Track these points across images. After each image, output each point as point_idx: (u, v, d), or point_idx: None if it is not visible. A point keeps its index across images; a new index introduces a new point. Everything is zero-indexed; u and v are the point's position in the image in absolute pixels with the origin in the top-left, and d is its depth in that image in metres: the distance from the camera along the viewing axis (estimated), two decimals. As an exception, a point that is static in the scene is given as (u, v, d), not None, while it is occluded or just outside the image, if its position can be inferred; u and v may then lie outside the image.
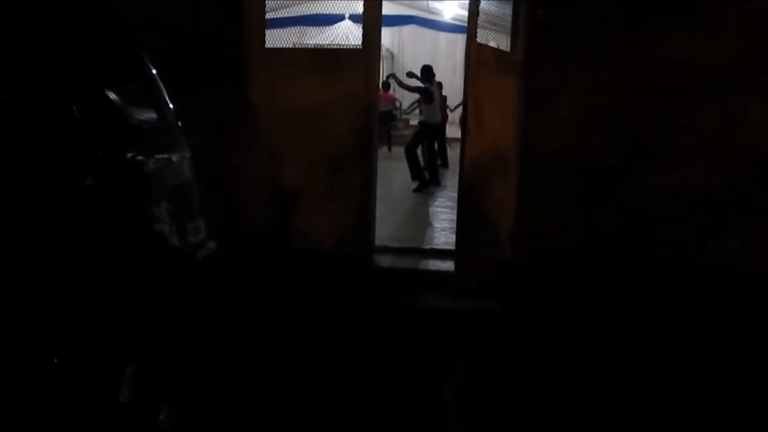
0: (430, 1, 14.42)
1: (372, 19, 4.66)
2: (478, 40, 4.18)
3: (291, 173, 4.83)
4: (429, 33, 15.34)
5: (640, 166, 4.65)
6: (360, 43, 4.71)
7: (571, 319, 4.32)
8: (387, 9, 14.66)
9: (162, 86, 3.12)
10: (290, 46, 4.94)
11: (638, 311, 4.41)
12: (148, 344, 2.04)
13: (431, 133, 8.66)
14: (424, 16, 15.22)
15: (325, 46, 4.77)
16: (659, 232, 4.68)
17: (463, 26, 14.89)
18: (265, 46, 4.83)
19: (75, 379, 1.75)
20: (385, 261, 4.89)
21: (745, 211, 4.64)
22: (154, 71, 3.10)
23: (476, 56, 4.04)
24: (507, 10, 4.70)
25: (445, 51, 15.40)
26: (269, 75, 4.77)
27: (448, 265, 4.81)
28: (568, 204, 4.75)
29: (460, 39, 15.44)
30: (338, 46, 4.67)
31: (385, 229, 5.66)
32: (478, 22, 4.19)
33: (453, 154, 10.72)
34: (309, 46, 4.74)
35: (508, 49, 4.70)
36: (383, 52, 14.95)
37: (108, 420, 1.87)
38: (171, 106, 3.13)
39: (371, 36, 4.69)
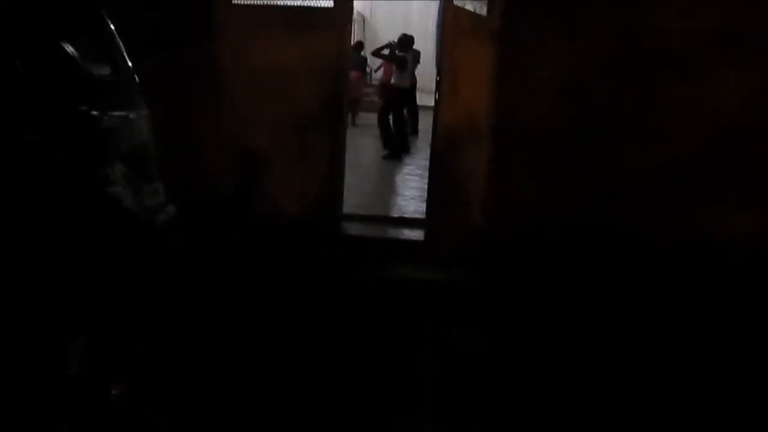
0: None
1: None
2: (455, 2, 4.02)
3: (258, 136, 4.66)
4: (402, -3, 15.12)
5: (615, 136, 4.59)
6: (332, 3, 4.52)
7: (544, 290, 4.29)
8: (360, -29, 14.26)
9: (120, 42, 2.93)
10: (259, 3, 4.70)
11: (612, 283, 4.40)
12: (98, 315, 1.90)
13: (401, 98, 8.51)
14: (397, -20, 14.99)
15: (296, 5, 4.52)
16: (634, 202, 4.65)
17: (437, -8, 14.76)
18: (233, 1, 4.62)
19: (17, 348, 1.62)
20: (353, 229, 4.78)
21: (720, 182, 4.63)
22: (112, 27, 2.90)
23: (452, 19, 3.90)
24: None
25: (417, 16, 15.20)
26: (237, 33, 4.56)
27: (417, 234, 4.73)
28: (542, 173, 4.68)
29: (433, 5, 15.26)
30: (309, 4, 4.44)
31: (354, 196, 5.54)
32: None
33: (425, 122, 10.63)
34: (278, 3, 4.48)
35: (485, 13, 4.55)
36: (354, 16, 14.75)
37: (56, 392, 1.74)
38: (130, 63, 2.93)
39: (343, -6, 4.50)
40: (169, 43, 4.55)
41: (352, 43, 12.93)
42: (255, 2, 4.72)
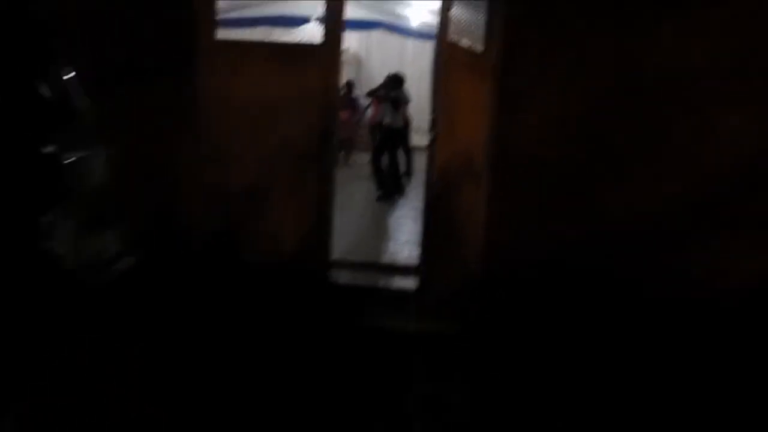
0: (398, 6, 14.11)
1: (334, 13, 4.25)
2: (450, 38, 3.78)
3: (240, 177, 4.37)
4: (396, 39, 15.07)
5: (616, 174, 4.31)
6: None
7: (542, 342, 3.96)
8: (354, 13, 14.35)
9: (75, 79, 2.66)
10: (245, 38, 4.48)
11: (615, 331, 4.08)
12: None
13: (395, 137, 8.28)
14: (391, 22, 14.96)
15: (283, 42, 4.31)
16: (636, 244, 4.36)
17: (431, 33, 14.75)
18: (216, 38, 4.39)
19: None
20: (342, 277, 4.46)
21: (722, 223, 4.35)
22: (65, 65, 2.63)
23: (447, 56, 3.66)
24: (480, 9, 4.34)
25: (412, 57, 15.11)
26: (219, 69, 4.32)
27: (410, 283, 4.41)
28: (541, 214, 4.39)
29: (428, 46, 15.21)
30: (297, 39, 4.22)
31: (345, 241, 5.23)
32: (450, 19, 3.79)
33: (419, 162, 10.41)
34: (264, 40, 4.25)
35: (481, 49, 4.33)
36: (349, 58, 14.64)
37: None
38: (86, 100, 2.67)
39: (333, 32, 4.27)
40: (145, 77, 4.30)
41: (342, 82, 12.83)
42: (240, 38, 4.52)
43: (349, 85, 12.18)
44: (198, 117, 4.34)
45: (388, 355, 3.71)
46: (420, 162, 11.35)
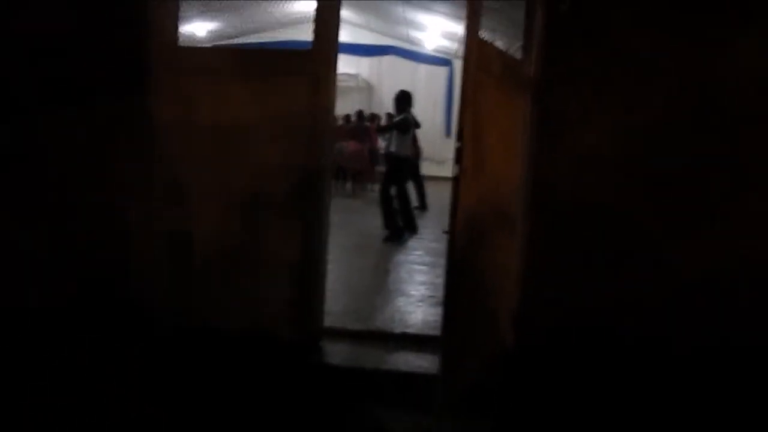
0: (410, 31, 13.38)
1: (326, 11, 3.29)
2: (480, 35, 2.77)
3: (201, 222, 3.39)
4: (409, 64, 14.39)
5: (684, 225, 3.34)
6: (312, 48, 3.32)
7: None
8: (365, 38, 13.68)
9: None
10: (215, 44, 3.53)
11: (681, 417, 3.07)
12: None
13: (403, 168, 7.19)
14: (403, 47, 14.33)
15: (263, 46, 3.33)
16: (706, 313, 3.33)
17: (445, 58, 13.96)
18: (178, 44, 3.45)
19: None
20: (336, 354, 3.39)
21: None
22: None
23: (476, 57, 2.65)
24: (518, 7, 3.38)
25: (425, 83, 14.39)
26: (179, 83, 3.37)
27: (427, 362, 3.34)
28: (593, 271, 3.40)
29: (442, 72, 14.43)
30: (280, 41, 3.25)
31: (341, 298, 4.19)
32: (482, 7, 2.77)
33: (436, 195, 9.46)
34: (238, 44, 3.29)
35: (519, 56, 3.36)
36: (360, 83, 13.87)
37: None
38: None
39: (325, 35, 3.31)
40: (84, 94, 3.36)
41: (353, 109, 11.95)
42: (210, 44, 3.56)
43: (360, 114, 11.36)
44: (149, 146, 3.37)
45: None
46: (433, 195, 10.40)
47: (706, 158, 3.32)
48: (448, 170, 13.54)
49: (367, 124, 11.05)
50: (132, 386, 3.08)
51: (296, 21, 11.73)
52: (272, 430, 2.92)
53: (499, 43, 3.06)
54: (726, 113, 3.28)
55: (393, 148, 7.09)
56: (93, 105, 3.34)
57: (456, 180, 2.75)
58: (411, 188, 8.07)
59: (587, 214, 3.42)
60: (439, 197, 9.92)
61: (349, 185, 10.90)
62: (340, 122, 11.09)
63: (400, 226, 6.89)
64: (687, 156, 3.32)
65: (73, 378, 3.03)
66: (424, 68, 14.56)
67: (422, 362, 3.35)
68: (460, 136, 2.76)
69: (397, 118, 7.21)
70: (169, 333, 3.36)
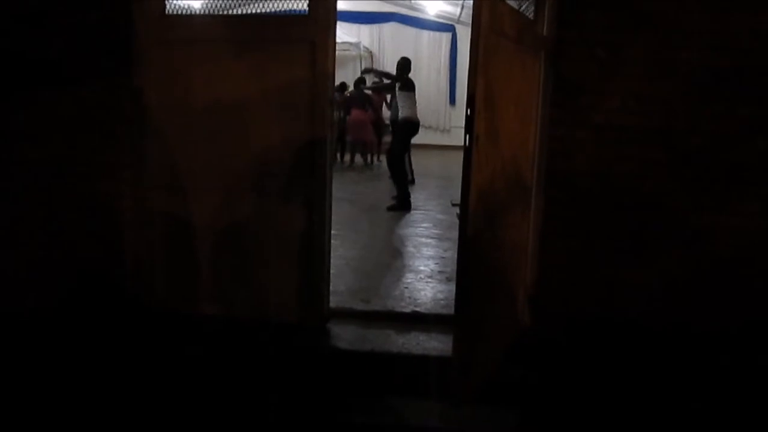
0: (412, -3, 13.03)
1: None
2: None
3: (196, 205, 3.20)
4: (411, 31, 14.03)
5: (714, 200, 3.11)
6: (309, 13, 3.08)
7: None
8: (366, 5, 13.24)
9: None
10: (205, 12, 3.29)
11: (706, 407, 2.93)
12: None
13: (414, 132, 7.21)
14: (405, 13, 13.95)
15: (256, 11, 3.12)
16: (739, 296, 3.14)
17: (448, 24, 13.56)
18: (165, 12, 3.22)
19: None
20: (343, 337, 3.23)
21: None
22: None
23: (489, 18, 2.42)
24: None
25: (427, 50, 14.05)
26: (169, 55, 3.16)
27: (440, 343, 3.18)
28: (614, 250, 3.20)
29: (445, 38, 14.05)
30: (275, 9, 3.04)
31: (347, 278, 4.01)
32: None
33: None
34: (230, 12, 3.08)
35: (532, 16, 3.12)
36: (362, 51, 13.53)
37: None
38: None
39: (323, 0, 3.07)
40: (65, 74, 3.15)
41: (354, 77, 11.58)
42: (199, 11, 3.33)
43: (361, 81, 10.99)
44: (138, 126, 3.17)
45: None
46: (439, 164, 10.18)
47: (731, 130, 3.10)
48: (452, 139, 13.25)
49: (367, 91, 10.70)
50: (137, 376, 2.94)
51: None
52: (278, 420, 2.77)
53: (511, 2, 2.81)
54: (756, 82, 3.05)
55: (407, 113, 6.99)
56: (74, 83, 3.13)
57: (467, 150, 2.54)
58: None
59: (606, 187, 3.22)
60: (445, 167, 9.69)
61: (347, 157, 10.61)
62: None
63: (409, 194, 6.71)
64: (711, 127, 3.11)
65: (72, 375, 2.90)
66: (426, 35, 14.20)
67: (435, 343, 3.18)
68: (470, 103, 2.54)
69: (405, 78, 7.08)
70: (171, 322, 3.20)
